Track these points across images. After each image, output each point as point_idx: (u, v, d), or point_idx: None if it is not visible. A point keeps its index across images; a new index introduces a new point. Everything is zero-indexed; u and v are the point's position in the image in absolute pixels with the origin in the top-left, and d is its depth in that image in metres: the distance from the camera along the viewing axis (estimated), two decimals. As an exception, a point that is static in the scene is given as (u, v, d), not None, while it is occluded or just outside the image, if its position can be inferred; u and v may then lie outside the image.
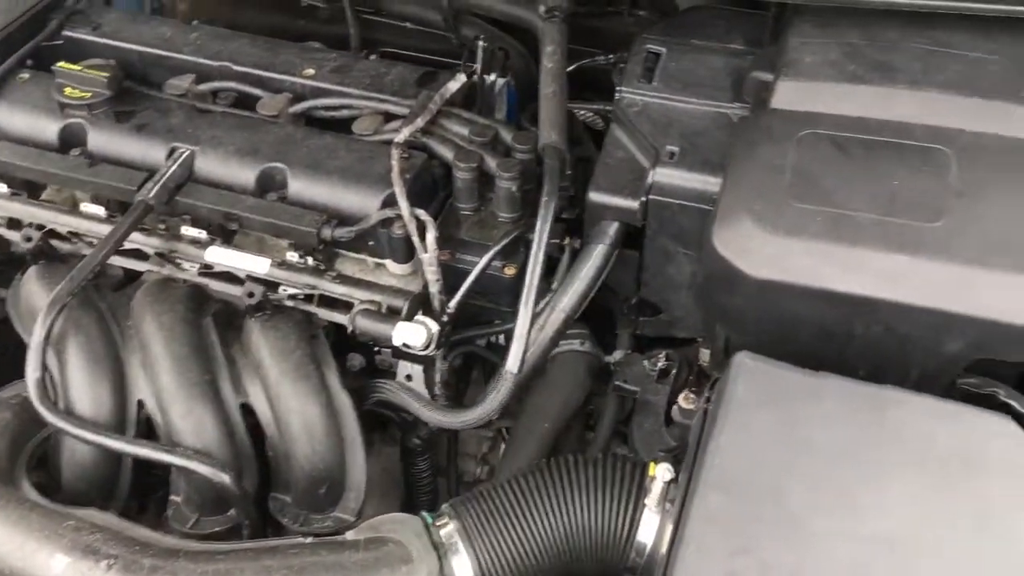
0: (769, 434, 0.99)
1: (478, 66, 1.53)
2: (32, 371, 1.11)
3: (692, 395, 1.18)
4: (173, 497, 1.19)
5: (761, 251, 1.06)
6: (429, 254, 1.27)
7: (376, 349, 1.36)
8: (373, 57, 1.55)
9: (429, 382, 1.33)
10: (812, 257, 1.05)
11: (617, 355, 1.44)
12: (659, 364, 1.36)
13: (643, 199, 1.22)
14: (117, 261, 1.28)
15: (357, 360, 1.37)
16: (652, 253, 1.28)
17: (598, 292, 1.32)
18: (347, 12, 1.66)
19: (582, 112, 1.53)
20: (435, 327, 1.23)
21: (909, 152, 1.10)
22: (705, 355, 1.37)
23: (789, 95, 1.17)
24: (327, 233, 1.25)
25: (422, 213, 1.26)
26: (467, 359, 1.43)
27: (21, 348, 1.17)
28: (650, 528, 1.05)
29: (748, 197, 1.10)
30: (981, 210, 1.05)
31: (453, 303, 1.27)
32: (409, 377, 1.37)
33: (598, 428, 1.35)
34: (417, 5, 1.66)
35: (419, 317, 1.24)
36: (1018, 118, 1.09)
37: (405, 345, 1.22)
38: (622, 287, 1.35)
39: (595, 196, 1.25)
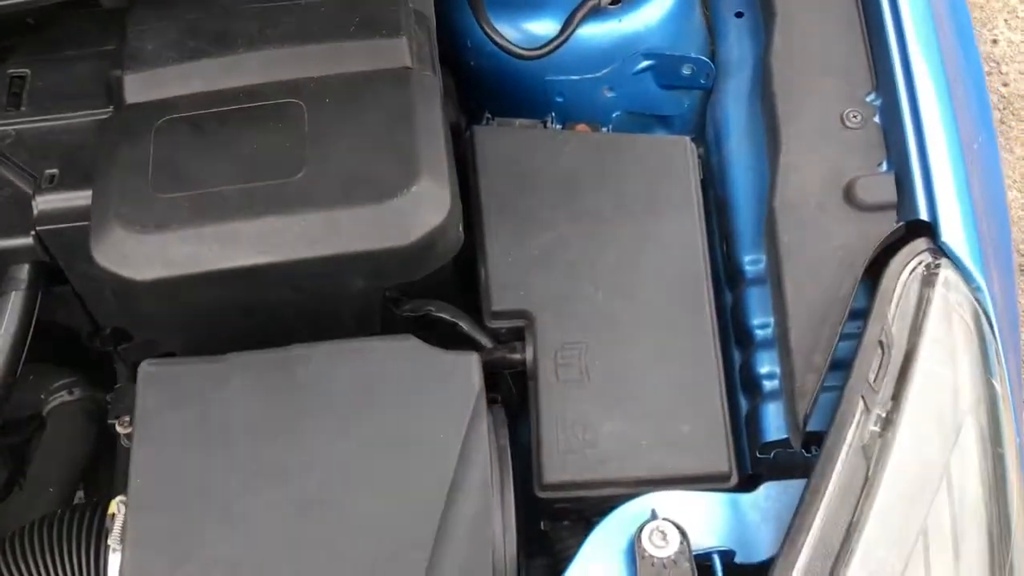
0: (184, 434, 0.98)
1: None
2: None
3: (128, 419, 1.14)
4: None
5: (138, 253, 1.03)
6: None
7: None
8: None
9: None
10: (188, 244, 1.03)
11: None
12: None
13: (33, 232, 1.15)
14: None
15: None
16: (79, 282, 1.21)
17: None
18: None
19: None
20: None
21: (264, 113, 1.11)
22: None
23: (138, 87, 1.13)
24: None
25: None
26: None
27: None
28: (116, 567, 0.99)
29: (115, 202, 1.05)
30: (335, 151, 1.07)
31: None
32: None
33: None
34: None
35: None
36: (350, 53, 1.13)
37: None
38: (82, 323, 1.28)
39: None
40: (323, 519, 0.94)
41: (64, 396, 1.33)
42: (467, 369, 1.02)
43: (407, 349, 1.03)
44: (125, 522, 0.96)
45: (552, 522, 1.12)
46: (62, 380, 1.33)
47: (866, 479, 0.91)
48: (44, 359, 1.32)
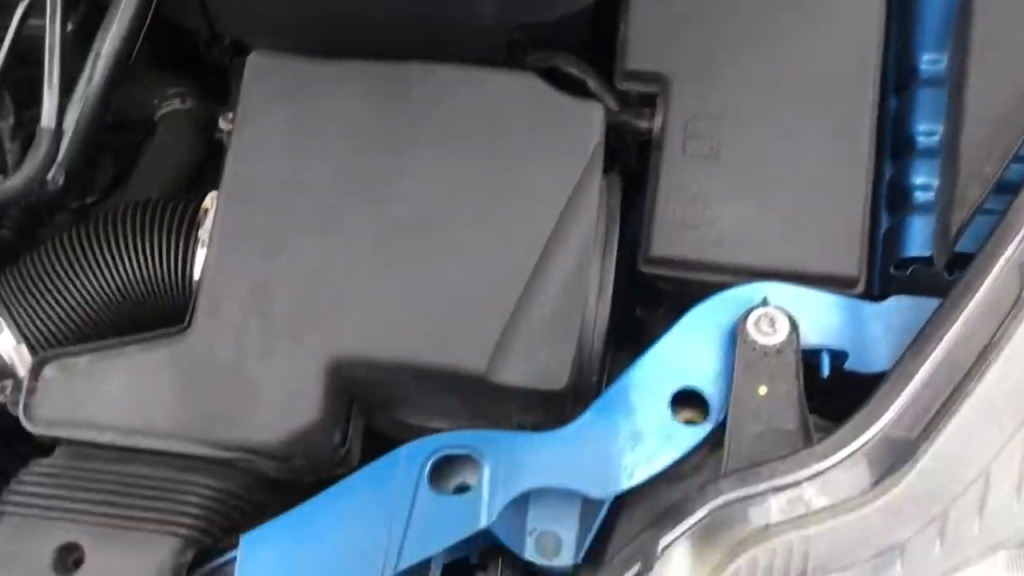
0: (287, 132, 0.93)
1: None
2: None
3: (231, 114, 1.10)
4: None
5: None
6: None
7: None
8: None
9: None
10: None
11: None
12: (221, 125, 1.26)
13: None
14: None
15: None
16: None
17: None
18: None
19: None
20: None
21: None
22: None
23: None
24: None
25: None
26: None
27: None
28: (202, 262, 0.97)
29: None
30: None
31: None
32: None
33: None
34: None
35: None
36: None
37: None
38: (201, 29, 1.23)
39: None
40: (417, 240, 0.89)
41: (176, 104, 1.30)
42: (590, 118, 0.94)
43: (531, 86, 0.95)
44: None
45: (647, 309, 1.05)
46: (176, 88, 1.30)
47: (1018, 299, 0.80)
48: (162, 66, 1.30)
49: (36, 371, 0.88)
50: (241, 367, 0.87)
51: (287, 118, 0.93)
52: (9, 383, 0.92)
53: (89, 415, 0.86)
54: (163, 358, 0.88)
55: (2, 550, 0.82)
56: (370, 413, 0.97)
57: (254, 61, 0.95)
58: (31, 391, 0.87)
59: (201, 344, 0.88)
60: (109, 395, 0.87)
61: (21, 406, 0.87)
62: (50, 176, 1.16)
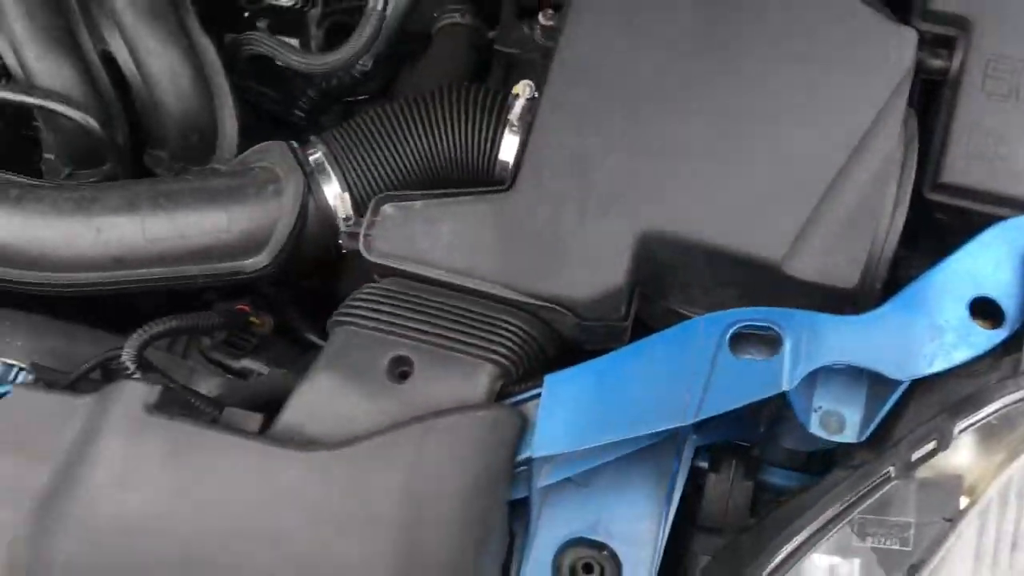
0: (620, 21, 1.00)
1: None
2: None
3: (550, 10, 1.18)
4: (46, 155, 1.19)
5: None
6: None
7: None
8: None
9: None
10: None
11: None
12: (541, 21, 1.35)
13: None
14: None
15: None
16: None
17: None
18: None
19: None
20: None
21: None
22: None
23: None
24: None
25: None
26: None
27: None
28: (511, 146, 1.06)
29: None
30: None
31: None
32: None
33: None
34: None
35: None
36: None
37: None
38: None
39: None
40: (732, 131, 0.96)
41: (455, 17, 1.40)
42: (903, 43, 0.99)
43: (851, 3, 1.01)
44: (526, 105, 1.02)
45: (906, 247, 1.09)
46: (455, 3, 1.40)
47: None
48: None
49: (376, 208, 0.98)
50: (558, 228, 0.96)
51: (619, 7, 1.01)
52: (346, 222, 1.03)
53: (421, 251, 0.96)
54: (488, 211, 0.97)
55: (338, 351, 0.93)
56: (647, 298, 1.04)
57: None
58: (371, 224, 0.98)
59: (523, 204, 0.97)
60: (439, 236, 0.96)
61: (361, 236, 0.97)
62: (361, 60, 1.28)
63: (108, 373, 1.06)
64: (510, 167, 1.05)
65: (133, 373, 0.98)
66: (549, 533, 0.92)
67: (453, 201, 0.98)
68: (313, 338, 1.20)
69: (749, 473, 0.99)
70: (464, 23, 1.41)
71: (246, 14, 1.33)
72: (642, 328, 1.01)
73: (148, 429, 0.87)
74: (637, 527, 0.92)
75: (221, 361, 1.11)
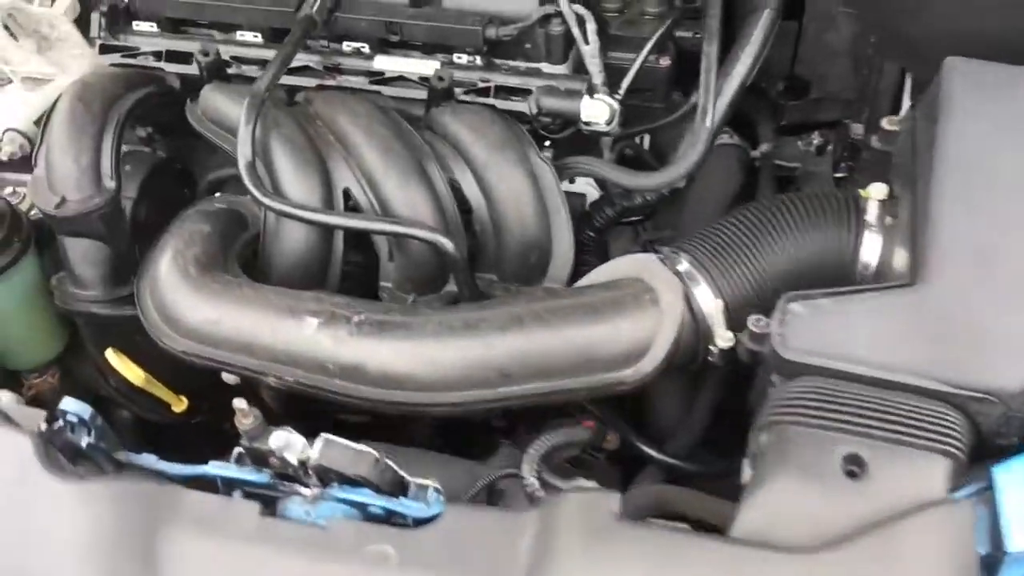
0: (995, 118, 1.04)
1: None
2: (243, 155, 1.12)
3: (892, 117, 1.22)
4: (383, 283, 1.21)
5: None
6: (591, 45, 1.30)
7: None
8: None
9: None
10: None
11: (764, 148, 1.49)
12: (815, 142, 1.40)
13: None
14: (287, 80, 1.29)
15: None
16: (811, 18, 1.32)
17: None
18: None
19: None
20: (616, 104, 1.26)
21: None
22: (857, 129, 1.42)
23: None
24: (491, 32, 1.28)
25: (580, 7, 1.29)
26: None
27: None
28: (873, 247, 1.09)
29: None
30: None
31: (622, 89, 1.31)
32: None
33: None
34: None
35: (598, 95, 1.27)
36: None
37: (587, 123, 1.26)
38: (774, 65, 1.39)
39: None
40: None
41: (724, 138, 1.45)
42: None
43: None
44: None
45: None
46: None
47: None
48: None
49: (784, 307, 0.99)
50: (976, 319, 0.96)
51: (994, 108, 1.04)
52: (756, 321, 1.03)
53: (838, 347, 0.96)
54: (902, 306, 0.97)
55: (785, 450, 0.91)
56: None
57: (952, 63, 1.08)
58: (781, 322, 0.98)
59: (936, 296, 0.97)
60: (855, 332, 0.96)
61: (774, 335, 0.97)
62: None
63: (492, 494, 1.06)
64: (873, 267, 1.07)
65: (536, 488, 0.97)
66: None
67: (860, 298, 0.99)
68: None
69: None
70: (732, 143, 1.47)
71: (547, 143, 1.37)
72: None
73: (619, 537, 0.85)
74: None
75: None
